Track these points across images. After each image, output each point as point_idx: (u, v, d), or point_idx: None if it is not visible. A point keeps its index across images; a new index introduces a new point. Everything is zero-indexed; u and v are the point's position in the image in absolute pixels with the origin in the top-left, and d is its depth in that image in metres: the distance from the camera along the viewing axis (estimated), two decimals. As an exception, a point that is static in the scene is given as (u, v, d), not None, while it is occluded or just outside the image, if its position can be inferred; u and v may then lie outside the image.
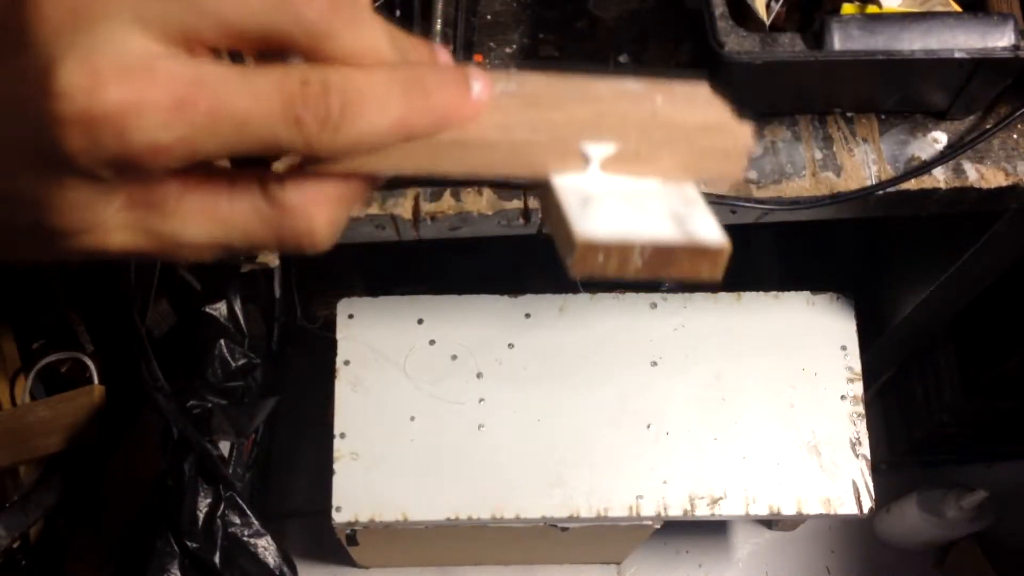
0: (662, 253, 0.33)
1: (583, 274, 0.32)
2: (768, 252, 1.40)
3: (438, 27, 0.77)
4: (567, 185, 0.34)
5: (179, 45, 0.28)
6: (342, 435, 1.03)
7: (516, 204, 0.77)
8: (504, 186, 0.76)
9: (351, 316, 1.07)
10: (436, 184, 0.76)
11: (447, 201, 0.77)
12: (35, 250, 0.31)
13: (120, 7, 0.27)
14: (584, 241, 0.32)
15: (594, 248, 0.32)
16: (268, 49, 0.30)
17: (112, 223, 0.30)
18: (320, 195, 0.31)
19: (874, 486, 1.03)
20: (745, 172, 0.36)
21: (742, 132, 0.35)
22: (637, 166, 0.34)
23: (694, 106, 0.36)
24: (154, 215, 0.30)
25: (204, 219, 0.31)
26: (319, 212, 0.31)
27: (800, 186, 0.78)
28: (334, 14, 0.29)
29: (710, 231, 0.33)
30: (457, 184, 0.76)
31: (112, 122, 0.27)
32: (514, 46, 0.81)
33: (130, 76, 0.27)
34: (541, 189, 0.35)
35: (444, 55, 0.34)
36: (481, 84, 0.32)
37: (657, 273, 0.33)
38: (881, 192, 0.77)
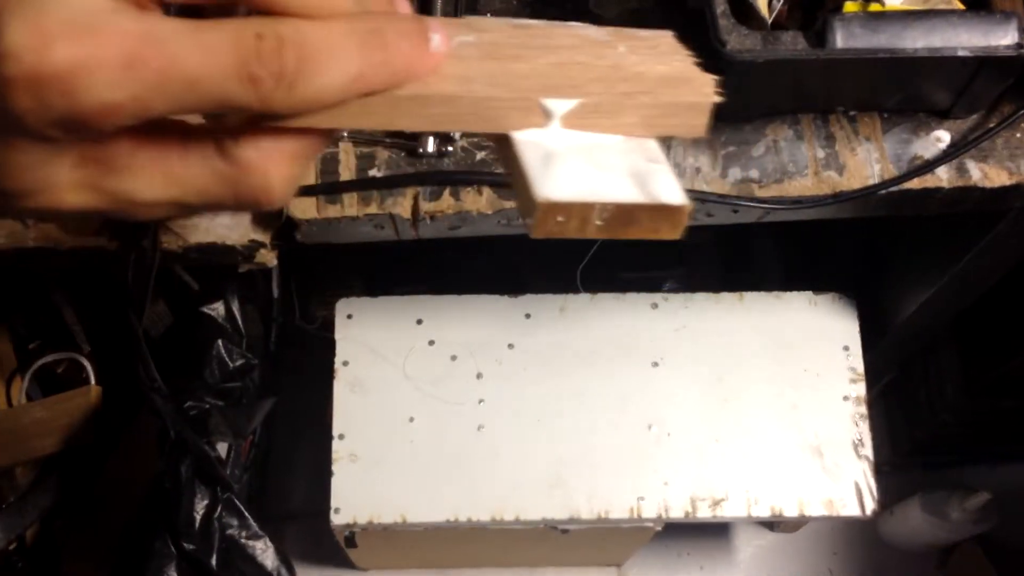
0: (622, 212, 0.32)
1: (544, 234, 0.32)
2: (770, 252, 1.39)
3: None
4: (528, 140, 0.33)
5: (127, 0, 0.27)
6: (341, 436, 1.02)
7: (516, 203, 0.77)
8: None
9: (350, 316, 1.06)
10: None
11: (446, 200, 0.76)
12: None
13: None
14: (545, 201, 0.31)
15: (554, 208, 0.31)
16: (222, 2, 0.29)
17: (64, 182, 0.29)
18: (276, 152, 0.30)
19: (877, 487, 1.02)
20: (708, 127, 0.35)
21: (705, 84, 0.35)
22: (599, 121, 0.34)
23: (657, 56, 0.35)
24: (107, 174, 0.30)
25: (158, 177, 0.30)
26: (276, 169, 0.30)
27: (802, 185, 0.77)
28: None
29: (670, 190, 0.33)
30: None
31: (60, 82, 0.26)
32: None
33: (78, 34, 0.26)
34: (502, 143, 0.34)
35: (404, 4, 0.33)
36: (440, 36, 0.31)
37: (617, 233, 0.33)
38: (884, 191, 0.77)
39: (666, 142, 0.78)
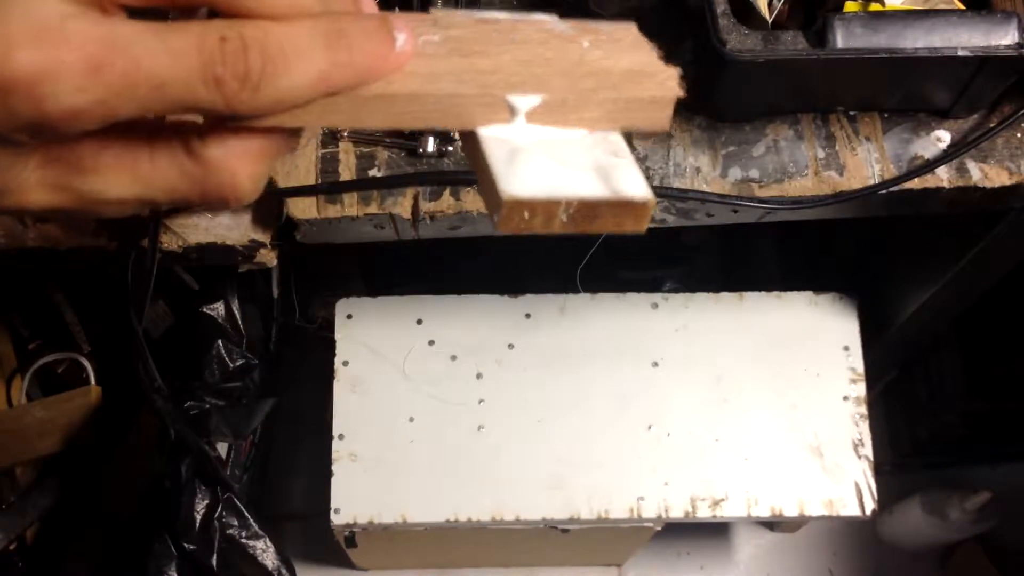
0: (587, 208, 0.33)
1: (510, 230, 0.32)
2: (770, 252, 1.39)
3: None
4: (494, 136, 0.34)
5: (90, 4, 0.27)
6: (340, 436, 1.02)
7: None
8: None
9: (350, 316, 1.06)
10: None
11: (446, 200, 0.76)
12: None
13: None
14: (510, 199, 0.32)
15: (520, 205, 0.32)
16: (185, 4, 0.29)
17: (30, 182, 0.29)
18: (242, 149, 0.30)
19: (877, 487, 1.02)
20: (670, 121, 0.35)
21: (668, 77, 0.35)
22: (563, 116, 0.34)
23: (620, 49, 0.35)
24: (72, 173, 0.30)
25: (124, 175, 0.30)
26: (242, 167, 0.30)
27: (802, 185, 0.77)
28: None
29: (634, 184, 0.33)
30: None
31: (26, 88, 0.26)
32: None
33: (42, 39, 0.26)
34: (468, 139, 0.34)
35: (369, 3, 0.33)
36: (405, 35, 0.31)
37: (582, 228, 0.33)
38: (884, 191, 0.77)
39: (665, 143, 0.78)
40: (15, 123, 0.27)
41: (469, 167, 0.74)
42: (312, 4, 0.30)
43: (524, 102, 0.33)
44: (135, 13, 0.29)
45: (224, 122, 0.30)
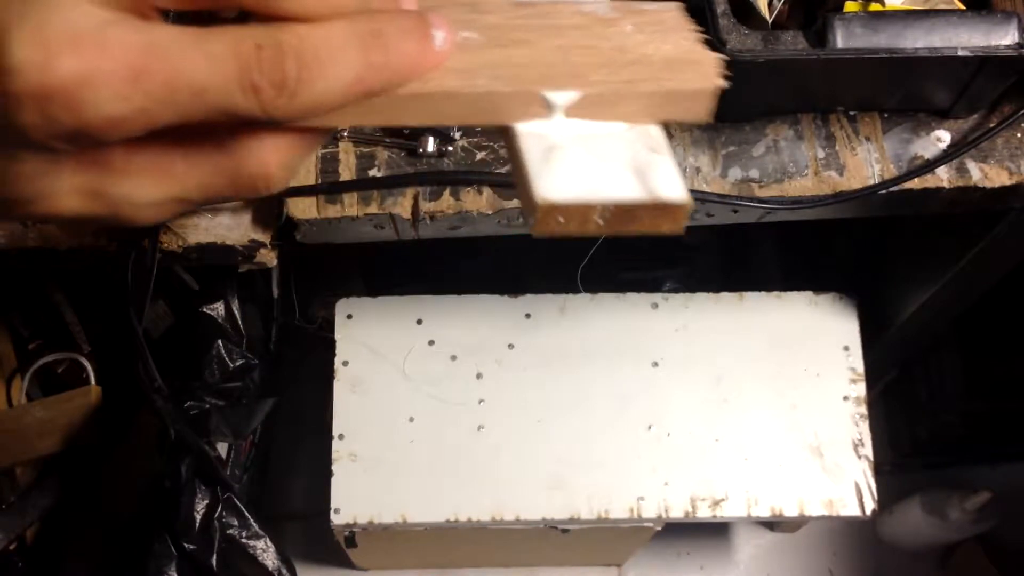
0: (623, 211, 0.32)
1: (545, 233, 0.32)
2: (770, 252, 1.39)
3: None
4: (531, 131, 0.33)
5: (129, 10, 0.27)
6: (340, 436, 1.02)
7: (516, 203, 0.77)
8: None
9: (350, 316, 1.06)
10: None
11: (446, 200, 0.76)
12: None
13: None
14: (544, 203, 0.31)
15: (555, 209, 0.31)
16: (220, 6, 0.29)
17: (64, 188, 0.29)
18: (274, 142, 0.30)
19: (877, 487, 1.02)
20: (712, 113, 0.35)
21: (711, 67, 0.34)
22: (602, 111, 0.34)
23: (663, 33, 0.35)
24: (105, 177, 0.29)
25: (158, 176, 0.30)
26: (274, 158, 0.30)
27: (802, 185, 0.77)
28: None
29: (671, 186, 0.33)
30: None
31: (66, 96, 0.26)
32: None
33: (82, 47, 0.26)
34: (506, 134, 0.34)
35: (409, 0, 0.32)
36: (444, 33, 0.31)
37: (619, 229, 0.32)
38: (884, 191, 0.77)
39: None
40: (54, 131, 0.27)
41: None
42: (350, 3, 0.30)
43: (562, 98, 0.33)
44: (171, 17, 0.29)
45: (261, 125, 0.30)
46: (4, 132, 0.27)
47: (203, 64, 0.27)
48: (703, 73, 0.34)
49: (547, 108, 0.33)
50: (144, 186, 0.30)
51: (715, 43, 0.69)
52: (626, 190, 0.32)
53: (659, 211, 0.32)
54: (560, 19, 0.34)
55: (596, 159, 0.33)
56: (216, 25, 0.28)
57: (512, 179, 0.35)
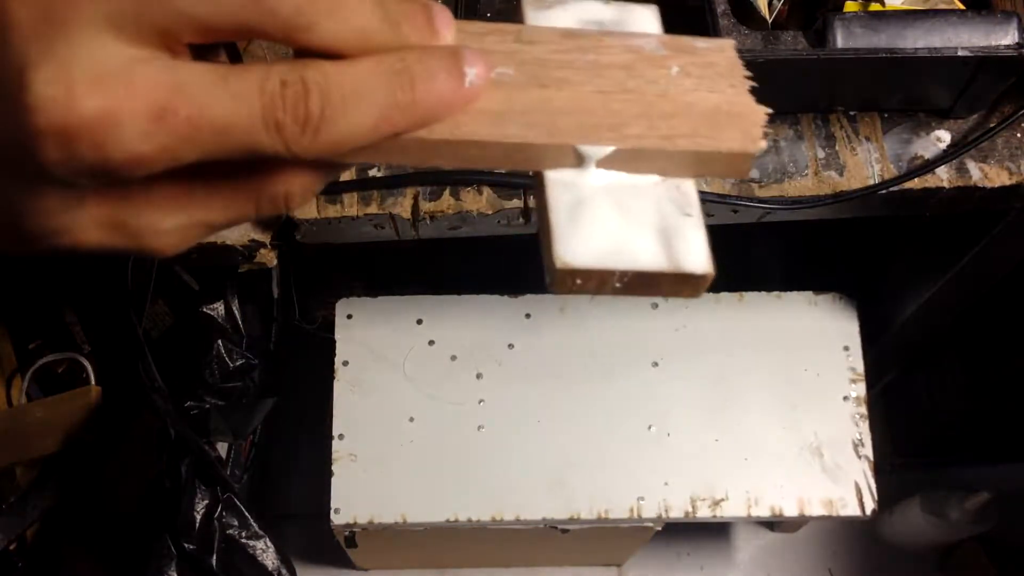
0: (643, 278, 0.32)
1: (562, 291, 0.32)
2: (770, 252, 1.39)
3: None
4: (560, 179, 0.32)
5: (155, 46, 0.27)
6: (340, 436, 1.02)
7: (516, 203, 0.77)
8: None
9: (350, 316, 1.06)
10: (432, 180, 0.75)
11: (446, 200, 0.76)
12: (6, 247, 0.30)
13: (93, 10, 0.26)
14: (563, 267, 0.31)
15: (574, 273, 0.31)
16: (248, 39, 0.29)
17: (86, 222, 0.29)
18: (295, 167, 0.30)
19: (877, 487, 1.02)
20: (749, 170, 0.34)
21: (754, 123, 0.33)
22: (636, 165, 0.33)
23: (712, 79, 0.33)
24: (127, 208, 0.29)
25: (180, 205, 0.30)
26: (297, 180, 0.30)
27: (802, 185, 0.77)
28: (311, 4, 0.28)
29: (696, 255, 0.32)
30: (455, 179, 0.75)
31: (90, 134, 0.26)
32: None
33: (106, 84, 0.26)
34: (535, 177, 0.33)
35: (444, 22, 0.31)
36: (477, 69, 0.30)
37: (636, 293, 0.32)
38: (884, 191, 0.77)
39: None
40: (77, 168, 0.27)
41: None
42: (380, 33, 0.29)
43: (596, 152, 0.32)
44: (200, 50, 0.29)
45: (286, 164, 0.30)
46: (26, 168, 0.27)
47: (228, 103, 0.27)
48: (744, 131, 0.33)
49: (580, 160, 0.32)
50: (166, 216, 0.30)
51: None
52: (649, 259, 0.31)
53: (680, 280, 0.32)
54: (606, 55, 0.33)
55: (622, 219, 0.32)
56: (245, 63, 0.28)
57: (536, 226, 0.34)
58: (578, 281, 0.31)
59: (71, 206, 0.28)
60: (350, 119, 0.28)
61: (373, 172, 0.76)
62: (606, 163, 0.32)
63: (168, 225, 0.30)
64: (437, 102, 0.30)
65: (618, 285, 0.32)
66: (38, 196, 0.28)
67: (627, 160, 0.33)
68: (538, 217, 0.33)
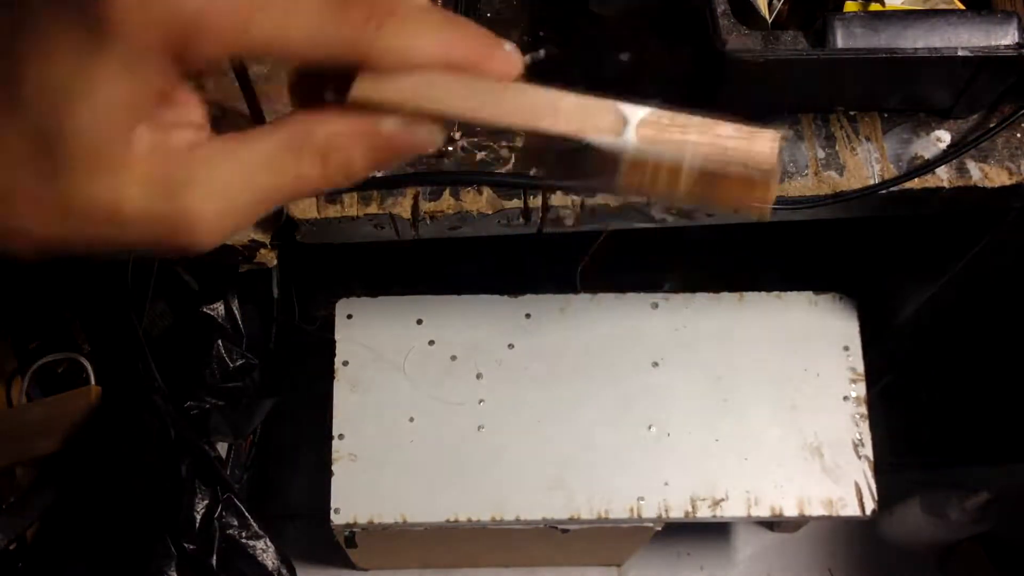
0: (711, 177, 0.32)
1: (630, 189, 0.32)
2: (770, 252, 1.39)
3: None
4: (603, 142, 0.33)
5: None
6: (341, 436, 1.02)
7: (516, 203, 0.77)
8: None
9: (350, 316, 1.06)
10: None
11: (446, 200, 0.76)
12: (41, 212, 0.28)
13: None
14: (634, 153, 0.31)
15: (643, 163, 0.31)
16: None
17: (129, 178, 0.28)
18: (356, 128, 0.31)
19: (877, 487, 1.02)
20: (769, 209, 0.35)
21: (766, 185, 0.34)
22: (669, 138, 0.34)
23: (750, 139, 0.34)
24: (175, 159, 0.29)
25: (244, 161, 0.30)
26: (357, 149, 0.31)
27: (802, 185, 0.77)
28: (369, 24, 0.30)
29: (761, 143, 0.33)
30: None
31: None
32: (515, 43, 0.80)
33: None
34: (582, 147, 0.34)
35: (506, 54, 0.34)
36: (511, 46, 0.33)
37: (707, 193, 0.32)
38: (884, 191, 0.77)
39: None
40: (148, 19, 0.27)
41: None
42: (439, 52, 0.31)
43: (634, 113, 0.33)
44: None
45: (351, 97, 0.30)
46: (93, 23, 0.27)
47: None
48: (760, 181, 0.34)
49: (621, 121, 0.33)
50: (214, 168, 0.29)
51: (716, 43, 0.69)
52: (719, 143, 0.32)
53: (749, 176, 0.32)
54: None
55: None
56: None
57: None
58: (648, 173, 0.31)
59: (121, 120, 0.28)
60: (409, 27, 0.30)
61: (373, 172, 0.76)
62: (643, 129, 0.33)
63: (217, 183, 0.29)
64: (482, 48, 0.32)
65: (688, 182, 0.32)
66: (96, 79, 0.27)
67: (662, 130, 0.33)
68: (586, 161, 0.34)
